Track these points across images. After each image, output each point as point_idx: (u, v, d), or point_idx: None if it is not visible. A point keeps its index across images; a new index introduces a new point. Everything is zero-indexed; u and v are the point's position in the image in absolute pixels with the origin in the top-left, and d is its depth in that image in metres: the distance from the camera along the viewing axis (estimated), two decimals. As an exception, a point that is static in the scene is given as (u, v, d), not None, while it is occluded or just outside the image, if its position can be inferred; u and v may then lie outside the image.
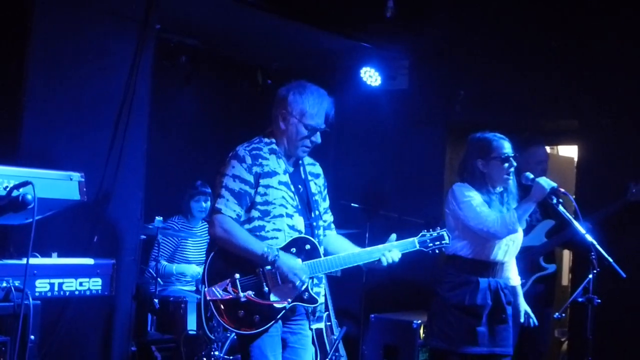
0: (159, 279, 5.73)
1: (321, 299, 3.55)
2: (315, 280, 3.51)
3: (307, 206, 3.60)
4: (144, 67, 4.77)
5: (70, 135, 4.45)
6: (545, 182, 3.97)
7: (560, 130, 6.69)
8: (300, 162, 3.67)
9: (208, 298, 3.40)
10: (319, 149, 3.65)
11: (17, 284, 2.98)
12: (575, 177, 6.03)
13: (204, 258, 6.19)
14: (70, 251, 3.41)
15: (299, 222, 3.53)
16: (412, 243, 3.65)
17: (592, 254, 3.84)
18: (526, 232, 4.28)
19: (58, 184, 3.15)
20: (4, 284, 2.97)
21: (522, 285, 4.49)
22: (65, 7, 4.44)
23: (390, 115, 6.82)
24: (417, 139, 6.69)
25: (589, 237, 3.88)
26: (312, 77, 3.74)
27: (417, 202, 6.35)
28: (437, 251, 3.72)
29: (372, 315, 5.79)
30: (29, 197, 2.87)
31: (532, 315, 4.38)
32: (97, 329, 4.63)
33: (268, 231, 3.46)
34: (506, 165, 4.10)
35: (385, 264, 3.52)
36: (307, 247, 3.50)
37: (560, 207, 3.98)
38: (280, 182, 3.51)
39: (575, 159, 6.44)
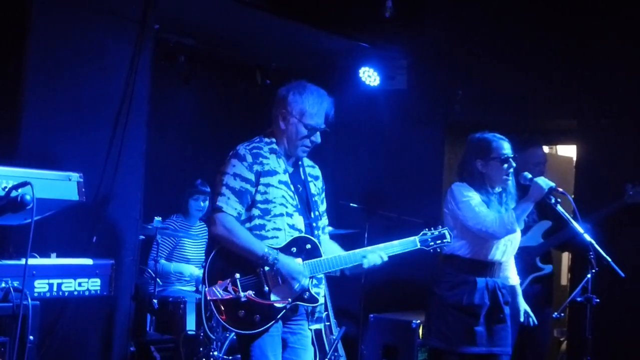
0: (158, 279, 5.73)
1: (321, 300, 3.55)
2: (315, 281, 3.52)
3: (306, 206, 3.61)
4: (142, 67, 4.77)
5: (69, 136, 4.45)
6: (544, 182, 3.97)
7: (559, 130, 6.70)
8: (300, 162, 3.68)
9: (208, 298, 3.41)
10: (318, 149, 3.66)
11: (16, 285, 2.98)
12: (574, 177, 6.03)
13: (203, 257, 6.21)
14: (69, 251, 3.40)
15: (299, 221, 3.54)
16: (413, 242, 3.65)
17: (591, 253, 3.84)
18: (523, 232, 4.28)
19: (57, 185, 3.14)
20: (3, 285, 2.97)
21: (519, 284, 4.49)
22: (63, 7, 4.44)
23: (389, 115, 6.82)
24: (416, 139, 6.69)
25: (588, 237, 3.89)
26: (311, 77, 3.74)
27: (416, 202, 6.35)
28: (438, 250, 3.73)
29: (371, 315, 5.79)
30: (28, 197, 2.87)
31: (531, 314, 4.38)
32: (96, 329, 4.63)
33: (268, 230, 3.46)
34: (505, 166, 4.10)
35: (366, 266, 3.51)
36: (308, 246, 3.50)
37: (559, 207, 3.98)
38: (280, 182, 3.51)
39: (574, 159, 6.44)
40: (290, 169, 3.61)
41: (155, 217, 5.69)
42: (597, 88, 5.80)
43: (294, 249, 3.47)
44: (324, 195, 3.77)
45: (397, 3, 5.96)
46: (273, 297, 3.42)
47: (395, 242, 3.60)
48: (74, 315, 4.30)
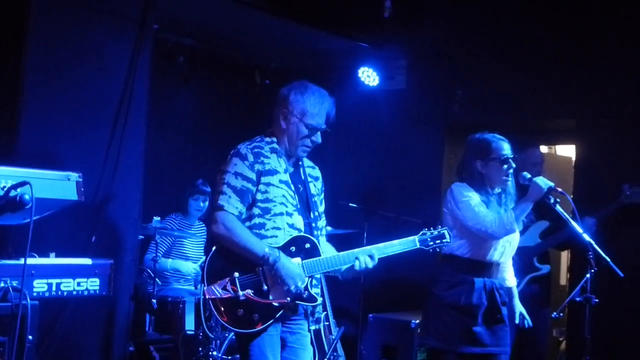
0: (157, 279, 5.74)
1: (319, 300, 3.55)
2: (314, 281, 3.52)
3: (306, 206, 3.61)
4: (141, 67, 4.77)
5: (68, 135, 4.45)
6: (543, 182, 3.97)
7: (558, 130, 6.70)
8: (300, 163, 3.68)
9: (207, 296, 3.41)
10: (317, 149, 3.66)
11: (14, 284, 2.98)
12: (573, 177, 6.04)
13: (202, 255, 6.21)
14: (68, 251, 3.40)
15: (299, 220, 3.54)
16: (413, 242, 3.65)
17: (590, 253, 3.84)
18: (520, 232, 4.28)
19: (56, 184, 3.14)
20: (2, 284, 2.97)
21: (517, 285, 4.49)
22: (63, 7, 4.44)
23: (388, 115, 6.82)
24: (415, 139, 6.69)
25: (587, 237, 3.89)
26: (310, 77, 3.74)
27: (415, 202, 6.35)
28: (437, 250, 3.73)
29: (371, 315, 5.79)
30: (27, 197, 2.87)
31: (527, 316, 4.37)
32: (95, 329, 4.63)
33: (268, 229, 3.47)
34: (505, 166, 4.10)
35: (358, 267, 3.48)
36: (307, 245, 3.50)
37: (558, 207, 3.98)
38: (281, 181, 3.52)
39: (573, 159, 6.44)
40: (291, 169, 3.62)
41: (154, 217, 5.69)
42: (596, 88, 5.80)
43: (292, 248, 3.47)
44: (323, 196, 3.77)
45: (396, 3, 5.97)
46: (272, 296, 3.42)
47: (395, 241, 3.60)
48: (73, 315, 4.30)
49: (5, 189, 2.90)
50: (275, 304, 3.41)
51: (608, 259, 3.86)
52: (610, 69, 5.73)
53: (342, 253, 3.54)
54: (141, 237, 5.33)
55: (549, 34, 6.02)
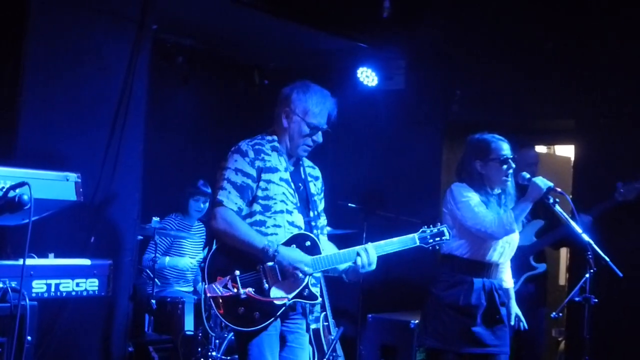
0: (156, 280, 5.74)
1: (319, 299, 3.55)
2: (313, 280, 3.52)
3: (306, 205, 3.63)
4: (140, 68, 4.76)
5: (67, 136, 4.44)
6: (542, 182, 3.97)
7: (557, 130, 6.70)
8: (301, 162, 3.70)
9: (208, 295, 3.41)
10: (317, 149, 3.67)
11: (13, 285, 2.97)
12: (572, 177, 6.04)
13: (201, 253, 6.22)
14: (67, 252, 3.40)
15: (299, 218, 3.55)
16: (412, 239, 3.66)
17: (589, 253, 3.84)
18: (517, 232, 4.29)
19: (54, 185, 3.14)
20: (1, 285, 2.96)
21: (513, 284, 4.49)
22: (62, 7, 4.44)
23: (387, 115, 6.82)
24: (414, 139, 6.69)
25: (586, 237, 3.89)
26: (309, 77, 3.75)
27: (414, 202, 6.35)
28: (436, 247, 3.73)
29: (370, 315, 5.79)
30: (25, 197, 2.87)
31: (522, 319, 4.37)
32: (94, 329, 4.62)
33: (268, 227, 3.47)
34: (505, 167, 4.10)
35: (360, 263, 3.48)
36: (307, 243, 3.51)
37: (557, 207, 3.98)
38: (281, 179, 3.53)
39: (572, 159, 6.44)
40: (291, 168, 3.63)
41: (153, 218, 5.69)
42: (595, 88, 5.80)
43: (293, 246, 3.48)
44: (322, 195, 3.78)
45: (395, 3, 5.97)
46: (273, 294, 3.42)
47: (395, 239, 3.61)
48: (72, 315, 4.30)
49: (4, 190, 2.90)
50: (276, 302, 3.41)
51: (607, 259, 3.86)
52: (609, 69, 5.73)
53: (342, 250, 3.55)
54: (140, 237, 5.32)
55: (548, 34, 6.02)
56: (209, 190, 6.14)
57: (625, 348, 5.46)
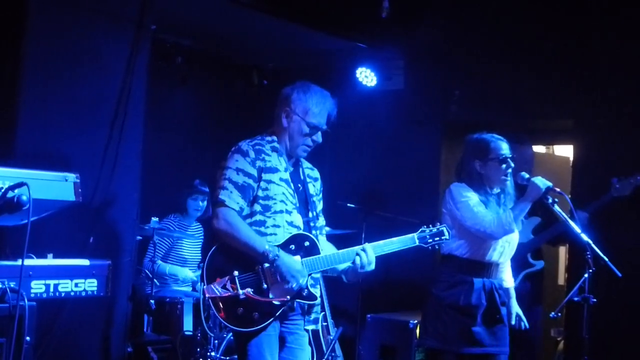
0: (155, 280, 5.73)
1: (318, 299, 3.55)
2: (311, 281, 3.52)
3: (305, 205, 3.63)
4: (139, 68, 4.76)
5: (66, 136, 4.44)
6: (541, 182, 3.97)
7: (556, 129, 6.70)
8: (300, 163, 3.70)
9: (207, 295, 3.41)
10: (316, 148, 3.67)
11: (12, 285, 2.97)
12: (571, 177, 6.04)
13: (199, 258, 6.21)
14: (66, 252, 3.40)
15: (298, 219, 3.56)
16: (412, 239, 3.66)
17: (588, 253, 3.84)
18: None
19: (53, 185, 3.14)
20: (0, 285, 2.96)
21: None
22: (60, 8, 4.44)
23: (386, 115, 6.82)
24: (413, 139, 6.69)
25: (585, 237, 3.89)
26: (308, 77, 3.76)
27: (413, 202, 6.35)
28: (436, 247, 3.74)
29: (369, 315, 5.79)
30: (24, 198, 2.86)
31: (523, 318, 4.37)
32: (93, 330, 4.62)
33: (268, 227, 3.48)
34: (504, 166, 4.11)
35: (358, 263, 3.48)
36: (306, 243, 3.51)
37: (556, 207, 3.98)
38: (281, 179, 3.54)
39: (571, 159, 6.44)
40: (291, 168, 3.64)
41: (153, 218, 5.69)
42: (594, 88, 5.80)
43: (292, 246, 3.48)
44: (321, 196, 3.79)
45: (394, 3, 5.96)
46: (272, 295, 3.42)
47: (394, 239, 3.61)
48: (70, 316, 4.30)
49: (3, 190, 2.90)
50: (275, 302, 3.41)
51: (606, 259, 3.86)
52: (609, 69, 5.72)
53: (341, 251, 3.55)
54: (139, 238, 5.32)
55: (547, 34, 6.02)
56: (207, 189, 6.15)
57: (624, 348, 5.46)
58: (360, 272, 3.51)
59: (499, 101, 6.27)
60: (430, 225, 3.73)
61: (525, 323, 4.36)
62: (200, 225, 6.37)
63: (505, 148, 4.14)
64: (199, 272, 6.14)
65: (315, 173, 3.79)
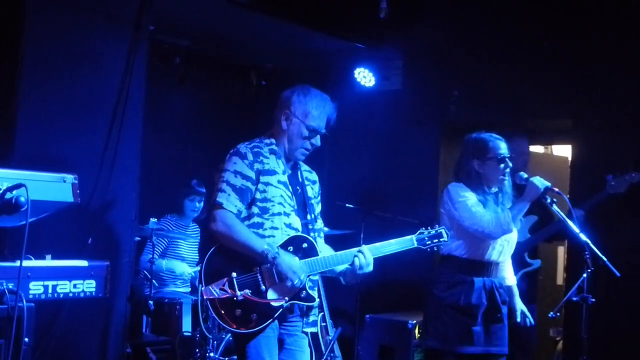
0: (154, 281, 5.73)
1: (316, 300, 3.55)
2: (310, 283, 3.52)
3: (303, 208, 3.63)
4: (137, 69, 4.77)
5: (64, 137, 4.45)
6: (540, 182, 3.98)
7: (554, 129, 6.70)
8: (298, 166, 3.71)
9: (205, 297, 3.40)
10: (314, 149, 3.67)
11: (11, 287, 2.97)
12: (570, 177, 6.04)
13: (197, 257, 6.21)
14: (65, 253, 3.40)
15: (296, 221, 3.56)
16: (410, 241, 3.66)
17: (587, 253, 3.84)
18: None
19: (51, 186, 3.14)
20: (-2, 286, 2.96)
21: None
22: (58, 9, 4.44)
23: (385, 115, 6.82)
24: (412, 139, 6.69)
25: (583, 237, 3.89)
26: (306, 77, 3.77)
27: (412, 203, 6.35)
28: (434, 249, 3.73)
29: (368, 316, 5.79)
30: (22, 199, 2.86)
31: (528, 314, 4.38)
32: (91, 331, 4.62)
33: (266, 229, 3.48)
34: (502, 166, 4.11)
35: (357, 264, 3.48)
36: (305, 245, 3.51)
37: (555, 207, 3.99)
38: (279, 182, 3.54)
39: (570, 159, 6.44)
40: (289, 171, 3.64)
41: (151, 219, 5.69)
42: (592, 88, 5.80)
43: (290, 248, 3.48)
44: (319, 199, 3.79)
45: (392, 4, 5.96)
46: (270, 296, 3.42)
47: (392, 240, 3.61)
48: (69, 317, 4.30)
49: (1, 191, 2.90)
50: (273, 304, 3.41)
51: (604, 259, 3.86)
52: (608, 70, 5.72)
53: (339, 252, 3.55)
54: (137, 238, 5.32)
55: (546, 34, 6.01)
56: (204, 190, 6.15)
57: (623, 348, 5.46)
58: (358, 272, 3.51)
59: (498, 101, 6.27)
60: (429, 227, 3.73)
61: (530, 319, 4.37)
62: (197, 226, 6.37)
63: (503, 148, 4.14)
64: (197, 268, 6.14)
65: (314, 176, 3.79)
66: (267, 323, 3.40)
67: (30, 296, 3.07)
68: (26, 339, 2.96)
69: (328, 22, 6.10)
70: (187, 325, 5.60)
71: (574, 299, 3.90)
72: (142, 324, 5.67)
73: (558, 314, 4.07)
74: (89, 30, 4.56)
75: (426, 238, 3.69)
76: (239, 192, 3.45)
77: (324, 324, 5.38)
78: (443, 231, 3.73)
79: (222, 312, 3.39)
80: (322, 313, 5.29)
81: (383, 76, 6.80)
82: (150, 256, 5.79)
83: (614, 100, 5.72)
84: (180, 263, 6.15)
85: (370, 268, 3.52)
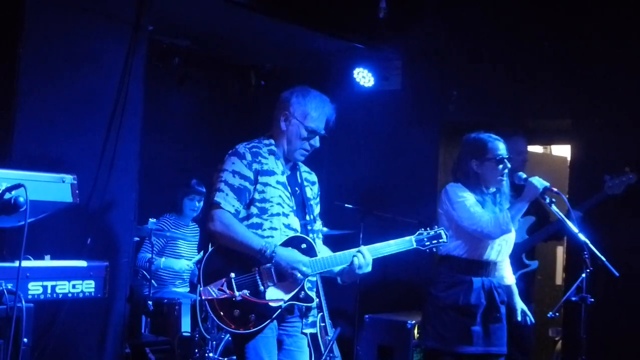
0: (153, 281, 5.73)
1: (315, 301, 3.55)
2: (308, 284, 3.52)
3: (302, 209, 3.63)
4: (136, 69, 4.76)
5: (63, 137, 4.44)
6: (538, 182, 3.98)
7: (553, 129, 6.70)
8: (297, 166, 3.71)
9: (203, 297, 3.40)
10: (313, 150, 3.67)
11: (9, 287, 2.97)
12: (569, 177, 6.04)
13: (196, 254, 6.20)
14: (64, 253, 3.39)
15: (295, 221, 3.56)
16: (409, 241, 3.66)
17: (585, 253, 3.84)
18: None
19: (50, 187, 3.13)
20: (-3, 287, 2.96)
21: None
22: (57, 9, 4.44)
23: (384, 116, 6.82)
24: (411, 139, 6.69)
25: (582, 237, 3.89)
26: (306, 78, 3.77)
27: (411, 203, 6.35)
28: (434, 250, 3.73)
29: (367, 316, 5.79)
30: (21, 199, 2.86)
31: (529, 313, 4.39)
32: (90, 331, 4.62)
33: (265, 229, 3.48)
34: (500, 166, 4.11)
35: (356, 264, 3.47)
36: (303, 246, 3.51)
37: (554, 207, 3.99)
38: (278, 182, 3.54)
39: (569, 159, 6.44)
40: (288, 172, 3.64)
41: (150, 219, 5.69)
42: (592, 88, 5.80)
43: (289, 248, 3.47)
44: (318, 200, 3.79)
45: (391, 4, 5.96)
46: (268, 297, 3.42)
47: (391, 241, 3.61)
48: (68, 317, 4.30)
49: (0, 192, 2.90)
50: (271, 304, 3.41)
51: (603, 259, 3.86)
52: (607, 70, 5.72)
53: (338, 253, 3.55)
54: (136, 238, 5.32)
55: (546, 34, 6.01)
56: (203, 189, 6.15)
57: (622, 348, 5.46)
58: (357, 272, 3.51)
59: (497, 101, 6.27)
60: (428, 228, 3.73)
61: (530, 318, 4.37)
62: (196, 225, 6.37)
63: (502, 148, 4.15)
64: (197, 256, 6.12)
65: (313, 177, 3.79)
66: (265, 323, 3.40)
67: (29, 296, 3.07)
68: (25, 339, 2.96)
69: (327, 22, 6.10)
70: (186, 326, 5.60)
71: (573, 299, 3.90)
72: (141, 324, 5.67)
73: (557, 314, 4.07)
74: (88, 30, 4.56)
75: (425, 239, 3.69)
76: (236, 191, 3.45)
77: (323, 324, 5.37)
78: (442, 232, 3.73)
79: (221, 312, 3.39)
80: (322, 313, 5.29)
81: (382, 76, 6.79)
82: (149, 255, 5.79)
83: (614, 100, 5.72)
84: (178, 260, 6.14)
85: (369, 268, 3.52)
